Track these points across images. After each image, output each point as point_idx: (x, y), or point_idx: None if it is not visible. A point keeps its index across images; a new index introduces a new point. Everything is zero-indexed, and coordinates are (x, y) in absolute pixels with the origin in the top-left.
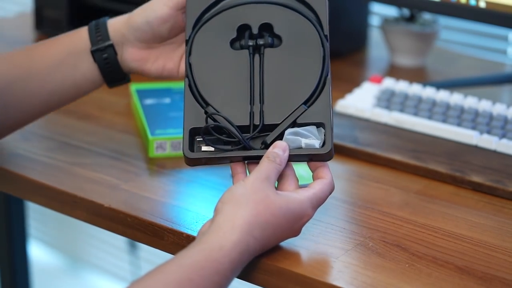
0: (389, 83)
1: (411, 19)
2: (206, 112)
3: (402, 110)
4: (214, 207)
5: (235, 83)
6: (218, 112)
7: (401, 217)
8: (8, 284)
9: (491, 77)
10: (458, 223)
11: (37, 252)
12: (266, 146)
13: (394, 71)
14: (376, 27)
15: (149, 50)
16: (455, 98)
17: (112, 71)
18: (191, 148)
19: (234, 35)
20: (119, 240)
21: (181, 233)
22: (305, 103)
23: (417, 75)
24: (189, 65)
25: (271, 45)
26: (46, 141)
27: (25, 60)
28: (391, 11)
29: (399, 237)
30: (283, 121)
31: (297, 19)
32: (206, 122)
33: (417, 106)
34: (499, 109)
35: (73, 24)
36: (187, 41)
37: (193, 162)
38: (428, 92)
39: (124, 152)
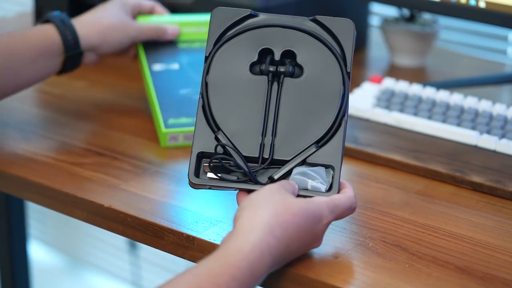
0: (389, 83)
1: (411, 19)
2: (216, 138)
3: (402, 110)
4: (213, 207)
5: (250, 111)
6: (229, 139)
7: (401, 217)
8: (8, 284)
9: (491, 77)
10: (458, 223)
11: (37, 252)
12: (273, 181)
13: (394, 71)
14: (376, 27)
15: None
16: (455, 98)
17: (76, 67)
18: (197, 171)
19: (255, 58)
20: (119, 240)
21: (181, 233)
22: (317, 142)
23: (417, 75)
24: (205, 85)
25: (291, 74)
26: (46, 141)
27: (5, 51)
28: (391, 11)
29: (399, 237)
30: (292, 158)
31: (321, 50)
32: (215, 150)
33: (417, 106)
34: (499, 109)
35: None
36: (206, 58)
37: (197, 187)
38: (428, 92)
39: (124, 152)
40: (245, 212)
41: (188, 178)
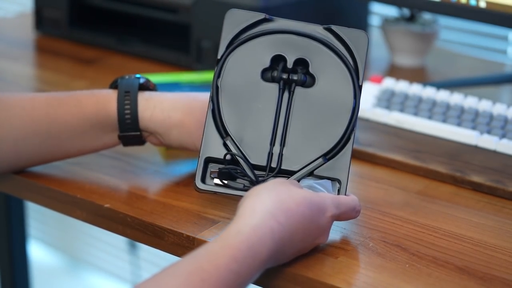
0: (389, 83)
1: (411, 19)
2: (225, 144)
3: (402, 110)
4: (213, 207)
5: (260, 118)
6: (237, 146)
7: (401, 217)
8: (8, 284)
9: (491, 77)
10: (458, 223)
11: (37, 252)
12: None
13: (394, 71)
14: (376, 27)
15: None
16: (455, 98)
17: (134, 144)
18: (203, 176)
19: (268, 64)
20: (119, 240)
21: (181, 233)
22: (325, 155)
23: (417, 75)
24: (216, 88)
25: (303, 83)
26: None
27: (46, 118)
28: (391, 11)
29: (399, 237)
30: (300, 169)
31: (334, 61)
32: (224, 158)
33: (417, 106)
34: (499, 109)
35: (73, 24)
36: (218, 61)
37: (202, 192)
38: (428, 92)
39: (124, 152)
40: (248, 199)
41: (195, 182)
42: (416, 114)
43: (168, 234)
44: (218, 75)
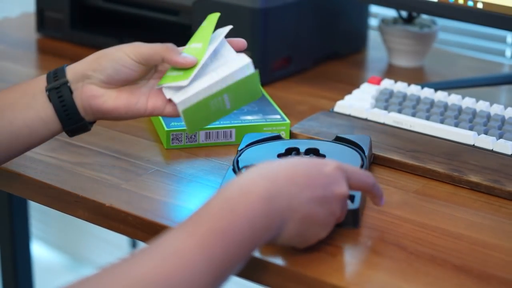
0: (387, 84)
1: (409, 20)
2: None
3: (400, 111)
4: None
5: None
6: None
7: (399, 216)
8: (11, 283)
9: (488, 78)
10: (456, 223)
11: (40, 251)
12: None
13: (393, 72)
14: (375, 29)
15: (111, 88)
16: (453, 98)
17: (67, 111)
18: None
19: (282, 151)
20: (121, 239)
21: None
22: None
23: (415, 76)
24: (236, 162)
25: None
26: (49, 141)
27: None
28: (389, 12)
29: (398, 236)
30: None
31: (342, 147)
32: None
33: (415, 107)
34: (496, 109)
35: (75, 25)
36: (238, 151)
37: None
38: (426, 93)
39: (125, 152)
40: None
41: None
42: (414, 114)
43: None
44: (239, 155)
